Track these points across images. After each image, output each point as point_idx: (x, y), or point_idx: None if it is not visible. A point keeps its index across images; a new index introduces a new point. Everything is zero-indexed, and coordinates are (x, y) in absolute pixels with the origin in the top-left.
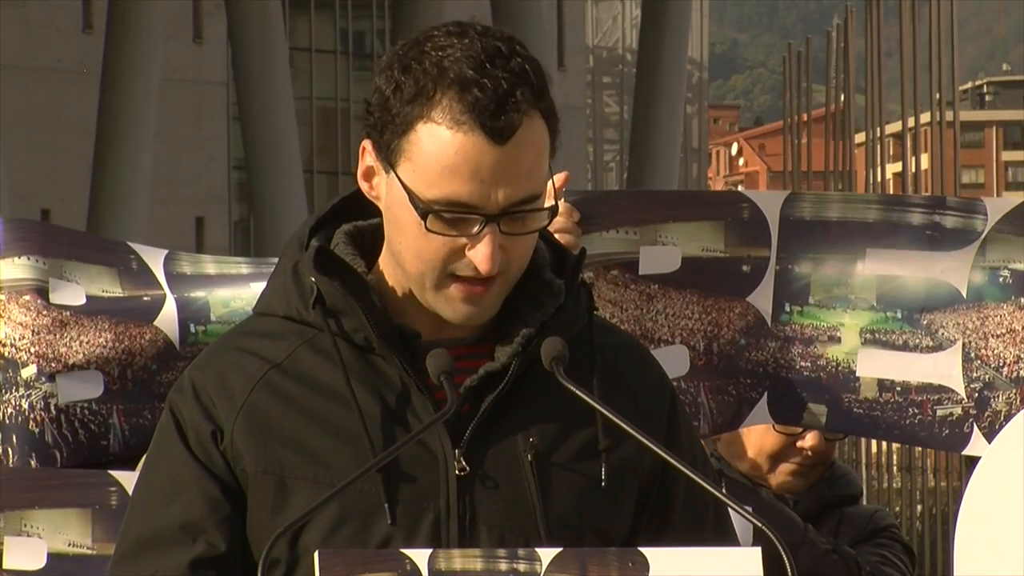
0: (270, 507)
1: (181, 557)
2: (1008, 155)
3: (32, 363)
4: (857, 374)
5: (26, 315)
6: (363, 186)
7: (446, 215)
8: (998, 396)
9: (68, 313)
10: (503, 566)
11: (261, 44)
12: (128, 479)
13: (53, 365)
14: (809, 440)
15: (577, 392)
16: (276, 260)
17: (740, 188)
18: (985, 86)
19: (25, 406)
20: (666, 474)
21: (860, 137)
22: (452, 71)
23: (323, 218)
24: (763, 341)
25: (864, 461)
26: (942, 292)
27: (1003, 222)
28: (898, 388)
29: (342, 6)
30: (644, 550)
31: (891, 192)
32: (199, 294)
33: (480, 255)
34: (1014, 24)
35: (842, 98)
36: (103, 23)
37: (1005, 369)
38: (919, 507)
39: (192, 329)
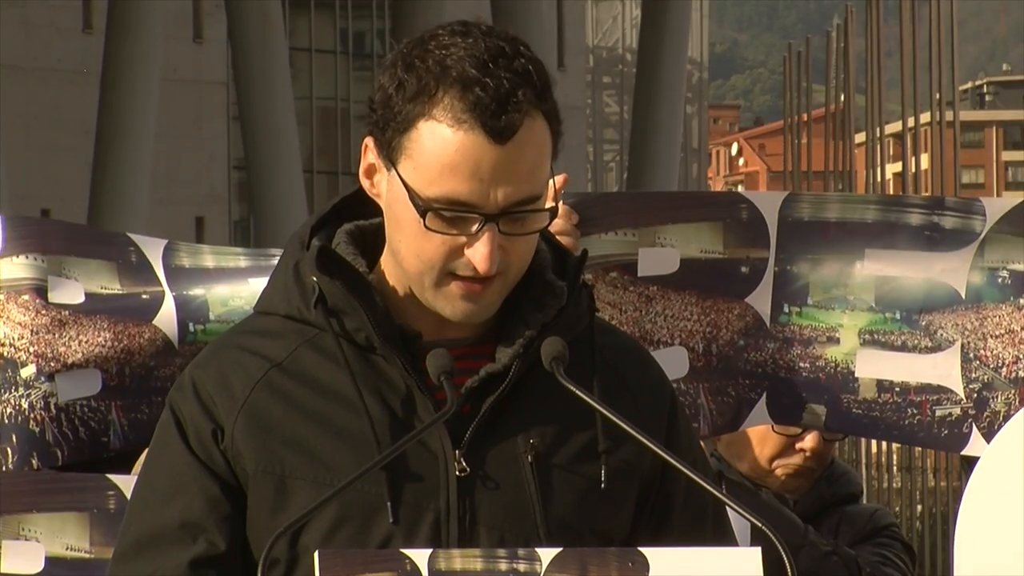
0: (270, 506)
1: (181, 556)
2: (1008, 155)
3: (31, 363)
4: (856, 375)
5: (25, 315)
6: (364, 183)
7: (445, 213)
8: (997, 396)
9: (67, 312)
10: (503, 566)
11: (261, 44)
12: (126, 483)
13: (52, 364)
14: (808, 441)
15: (577, 392)
16: (276, 252)
17: (740, 188)
18: (985, 86)
19: (25, 406)
20: (666, 475)
21: (860, 137)
22: (455, 69)
23: (324, 217)
24: (762, 342)
25: (864, 461)
26: (941, 293)
27: (1002, 222)
28: (897, 388)
29: (342, 6)
30: (644, 550)
31: (891, 192)
32: (198, 292)
33: (479, 255)
34: (1014, 24)
35: (842, 98)
36: (103, 23)
37: (1004, 369)
38: (919, 507)
39: (191, 328)
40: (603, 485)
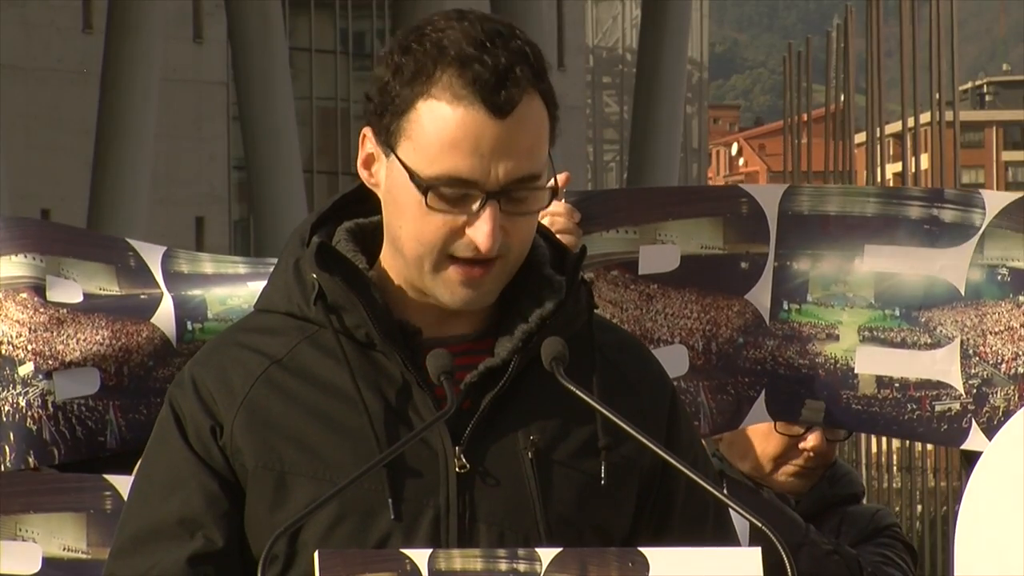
0: (269, 503)
1: (179, 552)
2: (1008, 155)
3: (29, 360)
4: (855, 371)
5: (23, 312)
6: (363, 174)
7: (446, 191)
8: (996, 392)
9: (65, 311)
10: (503, 566)
11: (261, 44)
12: (123, 483)
13: (50, 362)
14: (811, 441)
15: (577, 392)
16: (274, 261)
17: None
18: (985, 86)
19: (22, 403)
20: (666, 473)
21: (860, 137)
22: (452, 49)
23: (324, 215)
24: (761, 339)
25: (864, 461)
26: (940, 290)
27: (1001, 216)
28: (896, 384)
29: (342, 6)
30: (644, 550)
31: None
32: (196, 292)
33: (480, 232)
34: (1014, 24)
35: (842, 98)
36: (103, 23)
37: (1003, 366)
38: (919, 507)
39: (189, 327)
40: (603, 481)
